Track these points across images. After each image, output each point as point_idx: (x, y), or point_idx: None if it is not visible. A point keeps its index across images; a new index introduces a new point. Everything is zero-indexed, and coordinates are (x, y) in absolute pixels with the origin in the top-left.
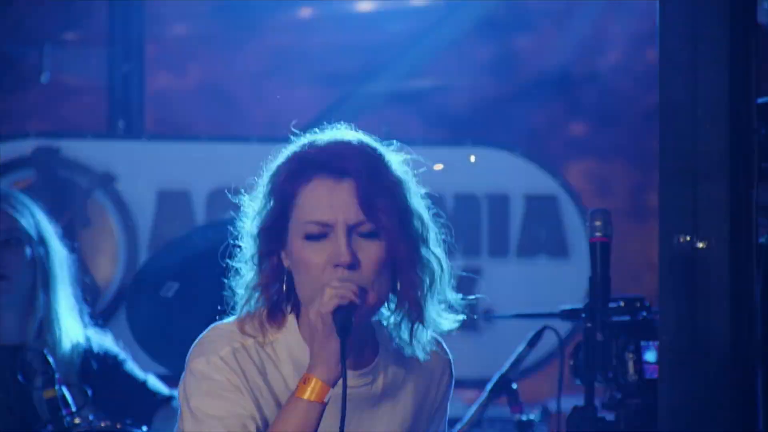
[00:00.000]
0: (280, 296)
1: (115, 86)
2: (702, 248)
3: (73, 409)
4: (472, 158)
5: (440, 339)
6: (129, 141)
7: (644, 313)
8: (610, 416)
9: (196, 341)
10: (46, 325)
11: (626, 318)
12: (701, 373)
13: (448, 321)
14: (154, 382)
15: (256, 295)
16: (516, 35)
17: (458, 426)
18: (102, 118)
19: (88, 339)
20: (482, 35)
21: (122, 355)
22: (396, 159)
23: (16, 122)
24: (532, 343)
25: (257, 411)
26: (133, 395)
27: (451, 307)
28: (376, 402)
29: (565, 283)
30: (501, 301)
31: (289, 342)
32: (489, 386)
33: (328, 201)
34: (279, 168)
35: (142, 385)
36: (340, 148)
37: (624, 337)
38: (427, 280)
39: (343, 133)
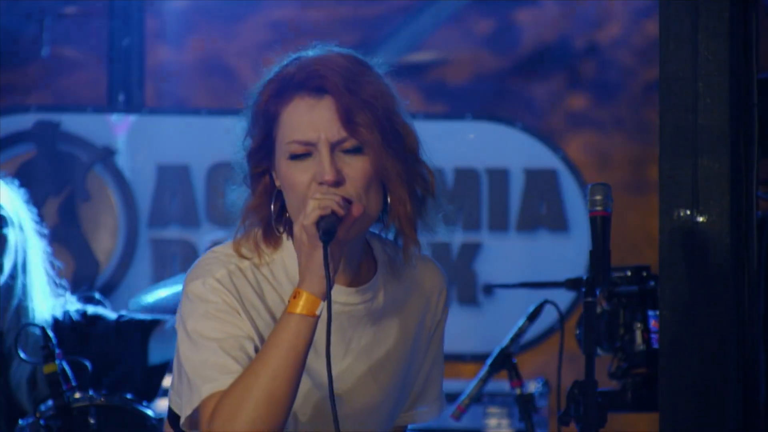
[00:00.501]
0: (272, 215)
1: (115, 60)
2: (702, 222)
3: (74, 383)
4: (471, 136)
5: (435, 261)
6: (129, 115)
7: (651, 283)
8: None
9: (192, 265)
10: (22, 308)
11: (634, 288)
12: (702, 346)
13: (442, 233)
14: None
15: (251, 215)
16: (516, 8)
17: (459, 400)
18: (102, 92)
19: (65, 312)
20: (482, 9)
21: (96, 309)
22: (378, 72)
23: (17, 96)
24: (532, 317)
25: (254, 331)
26: (116, 337)
27: (445, 219)
28: (378, 319)
29: (565, 257)
30: (501, 275)
31: (285, 261)
32: (489, 361)
33: (309, 119)
34: (261, 89)
35: (119, 322)
36: (318, 65)
37: (631, 307)
38: (418, 193)
39: (324, 49)
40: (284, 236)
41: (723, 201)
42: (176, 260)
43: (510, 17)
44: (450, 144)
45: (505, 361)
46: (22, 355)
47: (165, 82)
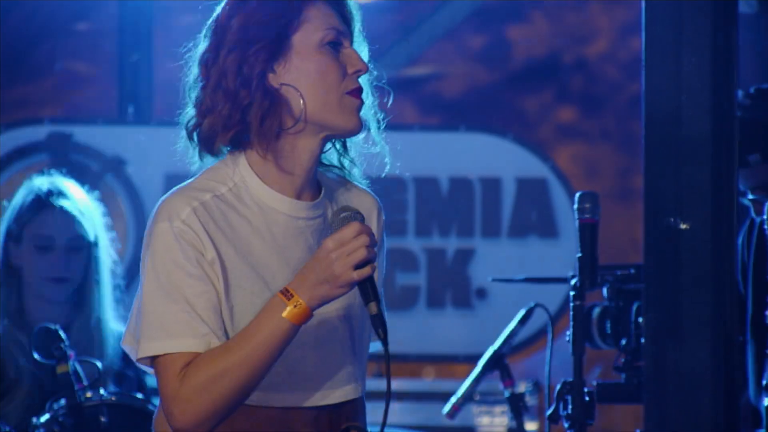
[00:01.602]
0: (276, 116)
1: (125, 75)
2: (685, 229)
3: (85, 383)
4: (467, 143)
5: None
6: (138, 126)
7: None
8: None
9: (157, 204)
10: (89, 321)
11: (639, 285)
12: (684, 346)
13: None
14: None
15: (254, 121)
16: (507, 25)
17: (453, 399)
18: (113, 105)
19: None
20: (475, 25)
21: None
22: None
23: (31, 109)
24: (524, 320)
25: (221, 274)
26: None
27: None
28: (327, 234)
29: (555, 262)
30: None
31: (246, 182)
32: (482, 361)
33: (337, 17)
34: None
35: None
36: None
37: (636, 304)
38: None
39: None
40: (240, 156)
41: (705, 208)
42: None
43: (502, 33)
44: (445, 154)
45: (497, 362)
46: (36, 356)
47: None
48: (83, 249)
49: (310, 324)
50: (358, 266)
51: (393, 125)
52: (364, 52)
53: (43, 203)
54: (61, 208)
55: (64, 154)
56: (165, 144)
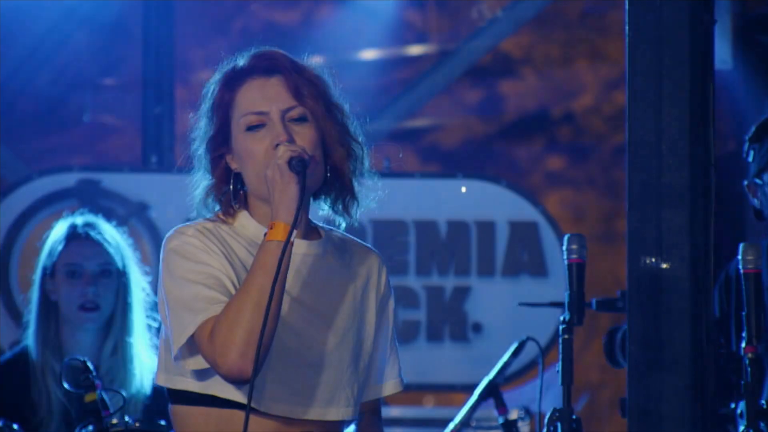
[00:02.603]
0: (230, 194)
1: (149, 126)
2: (666, 268)
3: (111, 410)
4: (463, 189)
5: (369, 245)
6: (161, 174)
7: None
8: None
9: (164, 238)
10: (120, 348)
11: None
12: (665, 378)
13: (370, 199)
14: None
15: (211, 196)
16: (501, 81)
17: (450, 426)
18: (137, 154)
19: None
20: (471, 81)
21: None
22: (316, 63)
23: (62, 157)
24: (516, 352)
25: (231, 270)
26: None
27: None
28: (329, 274)
29: (545, 299)
30: (489, 314)
31: (243, 223)
32: (477, 390)
33: (261, 94)
34: (213, 87)
35: None
36: (266, 54)
37: None
38: (354, 155)
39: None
40: (240, 210)
41: (684, 250)
42: None
43: (495, 88)
44: (443, 199)
45: (492, 391)
46: (66, 386)
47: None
48: (112, 276)
49: (316, 346)
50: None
51: (396, 173)
52: (312, 71)
53: (73, 235)
54: (89, 236)
55: (92, 199)
56: (186, 190)
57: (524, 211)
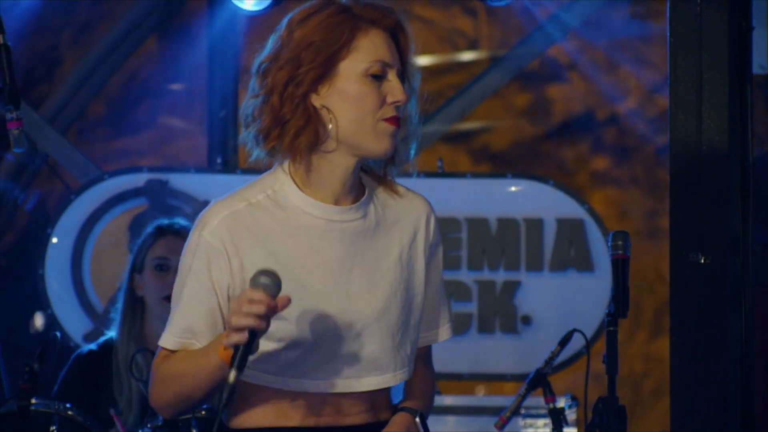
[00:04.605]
0: (313, 133)
1: (214, 129)
2: (706, 263)
3: None
4: (513, 188)
5: (419, 193)
6: (225, 174)
7: None
8: None
9: (200, 213)
10: None
11: None
12: (706, 368)
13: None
14: None
15: (289, 134)
16: (549, 85)
17: (502, 413)
18: (203, 156)
19: None
20: (520, 85)
21: None
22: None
23: (132, 159)
24: (563, 343)
25: (228, 284)
26: None
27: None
28: (372, 235)
29: (591, 293)
30: (538, 307)
31: (286, 192)
32: (527, 380)
33: (388, 48)
34: (324, 19)
35: None
36: (391, 14)
37: None
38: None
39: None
40: (282, 173)
41: (724, 245)
42: None
43: (544, 92)
44: (494, 198)
45: (540, 380)
46: (135, 374)
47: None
48: None
49: (359, 316)
50: (238, 330)
51: (449, 173)
52: (415, 78)
53: (161, 232)
54: (176, 232)
55: (160, 198)
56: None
57: (571, 208)
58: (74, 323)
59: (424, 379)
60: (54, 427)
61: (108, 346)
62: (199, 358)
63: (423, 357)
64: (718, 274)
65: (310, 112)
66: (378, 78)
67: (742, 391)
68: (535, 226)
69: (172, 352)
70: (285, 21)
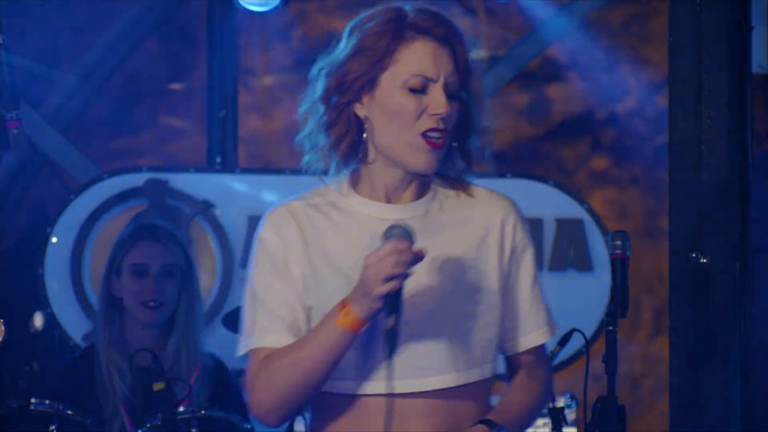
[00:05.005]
0: (353, 142)
1: (213, 128)
2: (706, 263)
3: (179, 398)
4: (512, 188)
5: (503, 194)
6: (225, 174)
7: None
8: None
9: (267, 211)
10: (183, 345)
11: None
12: (707, 369)
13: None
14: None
15: (330, 140)
16: (548, 85)
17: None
18: (202, 155)
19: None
20: (519, 85)
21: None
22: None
23: (131, 159)
24: (562, 343)
25: (300, 281)
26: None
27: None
28: (431, 234)
29: (591, 293)
30: None
31: (345, 194)
32: None
33: (433, 59)
34: (373, 27)
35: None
36: (442, 20)
37: None
38: (475, 144)
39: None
40: (343, 180)
41: (723, 245)
42: None
43: (543, 92)
44: None
45: None
46: (135, 376)
47: (255, 146)
48: (176, 276)
49: (415, 314)
50: (388, 279)
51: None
52: (476, 84)
53: (139, 235)
54: (155, 237)
55: (160, 198)
56: (248, 189)
57: (570, 208)
58: (73, 323)
59: (522, 388)
60: (54, 427)
61: (91, 351)
62: (314, 338)
63: (526, 364)
64: (717, 274)
65: (352, 120)
66: (418, 92)
67: (742, 390)
68: (535, 226)
69: (259, 355)
70: (347, 27)
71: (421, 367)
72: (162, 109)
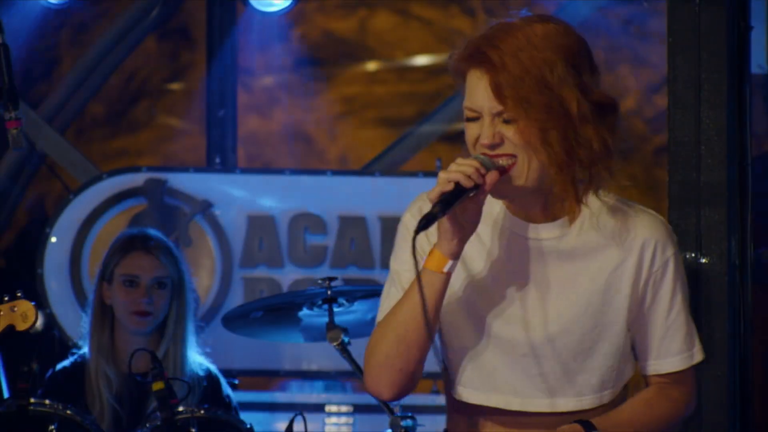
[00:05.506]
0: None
1: (212, 128)
2: (705, 263)
3: (178, 398)
4: None
5: (655, 215)
6: (224, 174)
7: None
8: None
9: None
10: (172, 354)
11: None
12: (703, 370)
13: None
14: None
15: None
16: None
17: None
18: (201, 155)
19: (208, 372)
20: None
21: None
22: (549, 35)
23: (131, 159)
24: None
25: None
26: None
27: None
28: (567, 258)
29: None
30: None
31: (491, 202)
32: None
33: (477, 90)
34: (452, 59)
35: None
36: (482, 41)
37: None
38: (583, 153)
39: (502, 21)
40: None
41: (722, 245)
42: (263, 295)
43: None
44: None
45: None
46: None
47: (254, 146)
48: (167, 287)
49: (533, 335)
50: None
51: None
52: (528, 61)
53: (132, 246)
54: (147, 248)
55: (159, 197)
56: (247, 189)
57: None
58: (73, 323)
59: (645, 402)
60: (53, 427)
61: (80, 361)
62: (409, 289)
63: (658, 383)
64: (717, 274)
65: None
66: (474, 120)
67: (741, 391)
68: None
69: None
70: None
71: (534, 389)
72: (161, 108)
